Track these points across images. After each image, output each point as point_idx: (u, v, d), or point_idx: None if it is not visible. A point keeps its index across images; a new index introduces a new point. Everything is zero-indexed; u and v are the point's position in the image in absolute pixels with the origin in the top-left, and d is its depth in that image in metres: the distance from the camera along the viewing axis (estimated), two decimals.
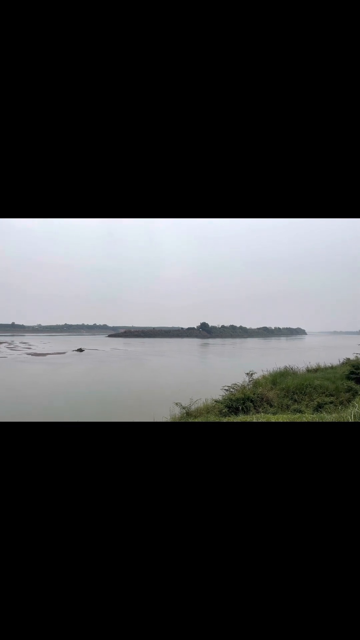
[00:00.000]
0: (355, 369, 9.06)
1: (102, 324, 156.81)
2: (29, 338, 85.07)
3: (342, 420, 4.02)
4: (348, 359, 11.23)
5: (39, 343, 63.95)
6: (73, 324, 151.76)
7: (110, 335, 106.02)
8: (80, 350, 48.48)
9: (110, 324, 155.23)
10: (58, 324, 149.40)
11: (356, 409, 4.31)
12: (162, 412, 8.73)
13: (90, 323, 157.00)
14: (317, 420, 4.61)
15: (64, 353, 44.09)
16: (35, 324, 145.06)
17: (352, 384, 8.49)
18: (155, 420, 6.00)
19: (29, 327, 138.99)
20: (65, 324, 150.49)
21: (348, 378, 8.93)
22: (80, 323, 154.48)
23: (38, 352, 44.98)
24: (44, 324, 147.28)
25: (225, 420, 6.25)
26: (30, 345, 58.34)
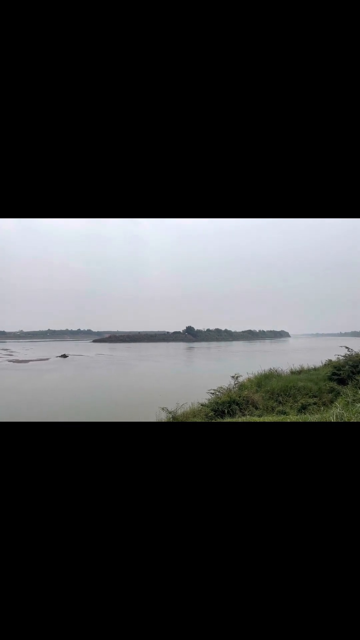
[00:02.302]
0: (337, 370, 9.26)
1: (86, 329, 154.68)
2: (11, 344, 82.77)
3: (324, 420, 4.10)
4: (330, 361, 11.47)
5: (20, 349, 62.33)
6: (56, 329, 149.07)
7: (95, 341, 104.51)
8: (64, 356, 47.53)
9: (94, 329, 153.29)
10: (41, 329, 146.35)
11: (338, 410, 4.40)
12: (149, 417, 8.65)
13: (74, 328, 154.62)
14: (300, 421, 4.68)
15: (47, 359, 43.12)
16: (17, 330, 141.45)
17: (334, 384, 8.67)
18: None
19: (10, 333, 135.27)
20: (49, 329, 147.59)
21: (330, 379, 9.12)
22: (64, 328, 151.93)
23: (20, 358, 43.81)
24: (26, 330, 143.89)
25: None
26: (11, 352, 56.76)
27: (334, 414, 4.13)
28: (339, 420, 3.88)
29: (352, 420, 3.71)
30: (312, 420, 4.40)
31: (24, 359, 43.61)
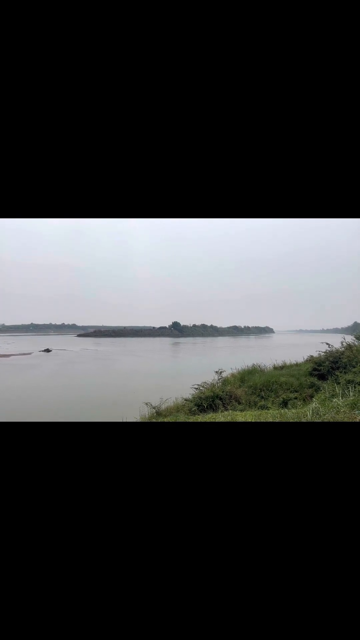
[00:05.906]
0: (318, 365, 9.52)
1: (70, 323, 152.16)
2: None
3: (301, 415, 4.23)
4: (311, 356, 11.75)
5: (2, 343, 60.81)
6: (40, 323, 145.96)
7: (79, 335, 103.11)
8: (48, 350, 46.75)
9: (79, 324, 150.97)
10: (24, 323, 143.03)
11: (314, 405, 4.55)
12: (132, 412, 8.65)
13: (59, 322, 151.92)
14: (278, 416, 4.80)
15: (29, 354, 42.31)
16: None
17: (314, 380, 8.93)
18: (124, 421, 5.93)
19: None
20: (32, 323, 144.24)
21: (311, 374, 9.38)
22: (47, 322, 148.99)
23: (1, 353, 42.82)
24: (7, 323, 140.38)
25: (193, 419, 6.33)
26: None
27: (311, 408, 4.27)
28: (315, 415, 4.01)
29: (326, 415, 3.84)
30: (289, 415, 4.52)
31: (5, 353, 42.65)
